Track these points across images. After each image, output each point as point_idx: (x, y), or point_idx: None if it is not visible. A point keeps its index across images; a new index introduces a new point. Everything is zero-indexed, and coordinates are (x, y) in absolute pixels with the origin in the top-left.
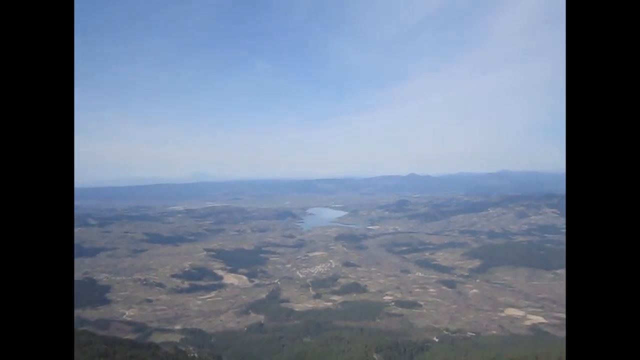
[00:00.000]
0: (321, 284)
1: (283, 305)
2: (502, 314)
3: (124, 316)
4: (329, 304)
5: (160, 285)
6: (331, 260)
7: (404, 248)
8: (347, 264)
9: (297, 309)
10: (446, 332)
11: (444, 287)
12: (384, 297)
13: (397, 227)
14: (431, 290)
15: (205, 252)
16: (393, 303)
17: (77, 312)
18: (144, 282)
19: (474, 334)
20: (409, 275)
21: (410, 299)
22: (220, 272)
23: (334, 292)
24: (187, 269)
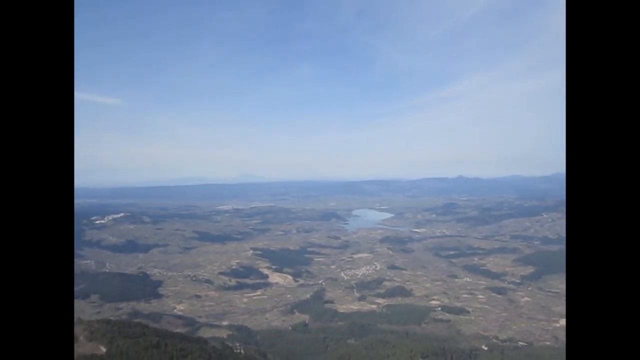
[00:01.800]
0: (366, 286)
1: (327, 306)
2: (557, 324)
3: (175, 310)
4: (374, 306)
5: (208, 281)
6: (376, 263)
7: (452, 252)
8: (392, 267)
9: (341, 310)
10: (496, 341)
11: (493, 294)
12: (430, 302)
13: (444, 231)
14: (480, 296)
15: (251, 251)
16: (439, 308)
17: (132, 305)
18: (194, 278)
19: (525, 344)
20: (456, 280)
21: (458, 304)
22: (266, 271)
23: (379, 295)
24: (234, 267)
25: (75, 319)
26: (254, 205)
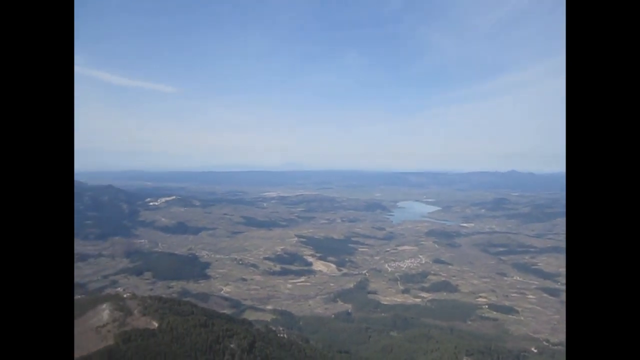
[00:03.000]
0: (410, 279)
1: (370, 296)
2: None
3: (222, 292)
4: (418, 300)
5: (254, 266)
6: (421, 256)
7: (501, 249)
8: (437, 261)
9: (384, 302)
10: (546, 344)
11: (545, 295)
12: (477, 299)
13: (493, 227)
14: (530, 296)
15: (296, 238)
16: (487, 306)
17: (182, 284)
18: (240, 262)
19: None
20: (505, 278)
21: (507, 303)
22: (310, 259)
23: (423, 289)
24: (279, 253)
25: (130, 294)
26: (299, 193)
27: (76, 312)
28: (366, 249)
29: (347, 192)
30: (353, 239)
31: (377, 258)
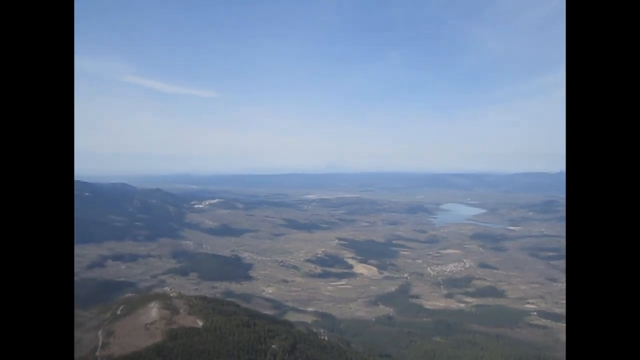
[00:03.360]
0: (454, 284)
1: (413, 300)
2: None
3: (264, 293)
4: (462, 305)
5: (295, 267)
6: (465, 260)
7: (551, 254)
8: (483, 265)
9: (427, 306)
10: None
11: None
12: (525, 305)
13: (542, 230)
14: None
15: (337, 241)
16: (535, 313)
17: (226, 284)
18: (282, 264)
19: None
20: (556, 284)
21: (557, 311)
22: (350, 261)
23: (468, 294)
24: (320, 255)
25: (177, 294)
26: (340, 196)
27: (127, 309)
28: (408, 252)
29: (388, 194)
30: (395, 242)
31: (419, 261)
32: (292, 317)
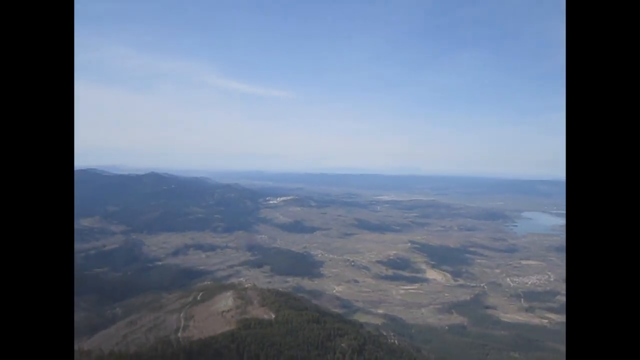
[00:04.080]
0: (535, 297)
1: (489, 311)
2: None
3: (334, 291)
4: (544, 321)
5: (366, 268)
6: (549, 273)
7: None
8: None
9: (504, 319)
10: None
11: None
12: None
13: None
14: None
15: (409, 244)
16: None
17: (297, 280)
18: (352, 264)
19: None
20: None
21: None
22: (423, 266)
23: (551, 309)
24: (391, 258)
25: (251, 285)
26: (414, 198)
27: (205, 295)
28: (485, 261)
29: (465, 198)
30: (470, 248)
31: (497, 271)
32: (361, 317)
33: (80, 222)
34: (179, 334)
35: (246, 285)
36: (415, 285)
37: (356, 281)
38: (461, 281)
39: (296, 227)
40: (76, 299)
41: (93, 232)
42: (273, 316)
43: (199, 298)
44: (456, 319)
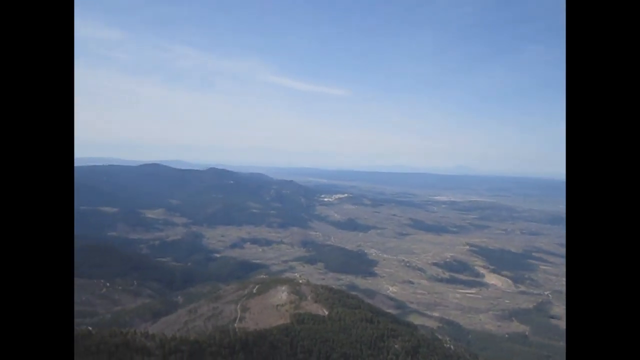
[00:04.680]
0: None
1: (553, 321)
2: None
3: (388, 291)
4: None
5: (421, 270)
6: None
7: None
8: None
9: None
10: None
11: None
12: None
13: None
14: None
15: (467, 247)
16: None
17: (350, 278)
18: (407, 264)
19: None
20: None
21: None
22: (481, 270)
23: None
24: (447, 260)
25: (305, 281)
26: (472, 199)
27: (261, 289)
28: (549, 268)
29: (526, 201)
30: (534, 254)
31: (563, 279)
32: (415, 319)
33: (146, 214)
34: (236, 325)
35: (300, 281)
36: (473, 290)
37: (411, 282)
38: (523, 288)
39: (350, 225)
40: (141, 286)
41: (157, 224)
42: (326, 313)
43: (254, 291)
44: (517, 327)
